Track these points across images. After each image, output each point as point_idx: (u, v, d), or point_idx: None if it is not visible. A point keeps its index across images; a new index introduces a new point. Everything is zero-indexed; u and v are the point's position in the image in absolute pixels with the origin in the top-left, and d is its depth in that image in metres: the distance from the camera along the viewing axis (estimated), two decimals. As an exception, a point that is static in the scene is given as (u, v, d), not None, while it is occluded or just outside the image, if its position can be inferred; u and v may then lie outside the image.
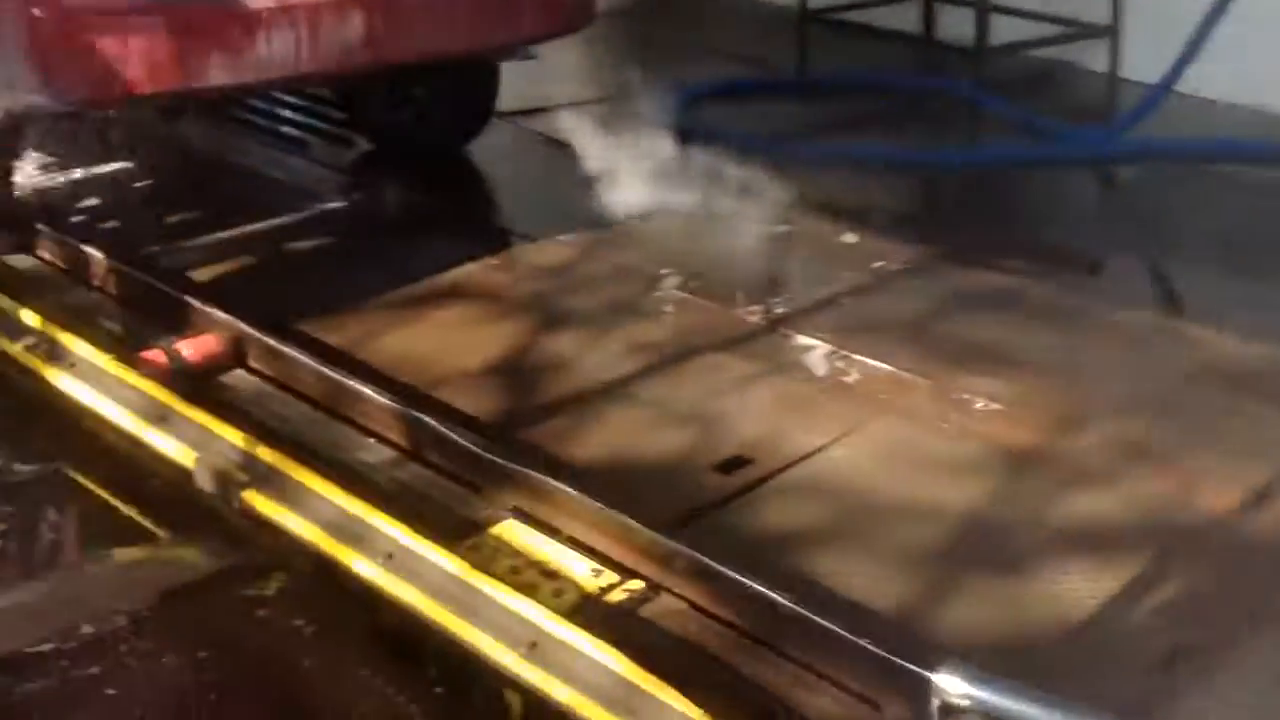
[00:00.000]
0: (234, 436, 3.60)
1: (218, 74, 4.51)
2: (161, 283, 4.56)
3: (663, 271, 4.82)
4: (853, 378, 4.14)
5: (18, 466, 3.73)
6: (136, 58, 4.33)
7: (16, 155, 5.13)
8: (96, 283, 4.77)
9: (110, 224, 5.43)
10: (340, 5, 4.66)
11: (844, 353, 4.25)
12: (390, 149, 6.14)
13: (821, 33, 7.50)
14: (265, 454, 3.51)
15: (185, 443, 3.67)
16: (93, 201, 5.62)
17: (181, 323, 4.30)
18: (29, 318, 4.22)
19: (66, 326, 4.16)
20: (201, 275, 4.94)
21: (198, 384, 4.03)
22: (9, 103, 4.47)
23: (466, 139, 6.11)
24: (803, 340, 4.35)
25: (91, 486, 3.72)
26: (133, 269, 4.70)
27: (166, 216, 5.52)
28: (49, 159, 5.94)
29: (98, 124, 5.38)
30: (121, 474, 3.73)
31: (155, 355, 4.08)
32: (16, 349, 4.16)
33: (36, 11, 4.24)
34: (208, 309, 4.30)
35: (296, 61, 4.61)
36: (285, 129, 6.46)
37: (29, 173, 5.83)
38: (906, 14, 7.57)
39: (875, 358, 4.20)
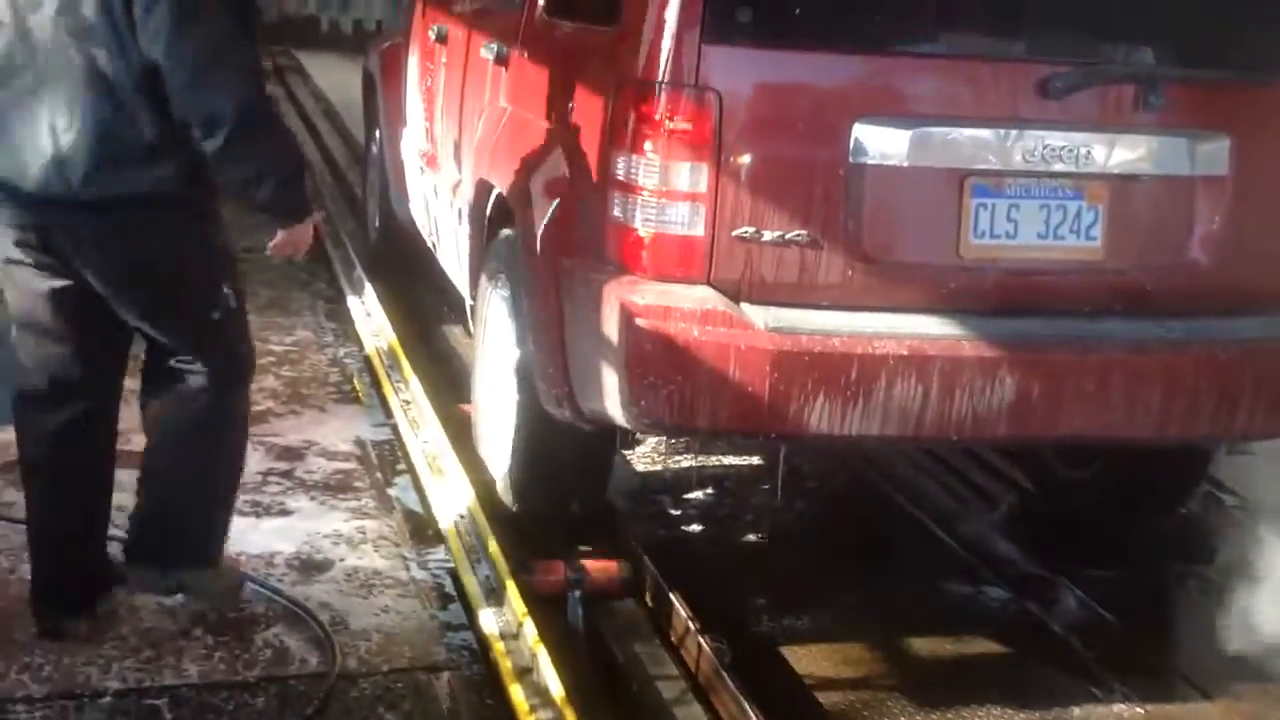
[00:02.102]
0: None
1: (834, 424, 3.61)
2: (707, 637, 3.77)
3: None
4: None
5: None
6: (736, 391, 3.57)
7: (618, 449, 4.46)
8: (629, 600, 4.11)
9: (691, 528, 4.76)
10: (1008, 365, 3.67)
11: None
12: (1059, 506, 4.96)
13: None
14: None
15: None
16: (699, 495, 4.96)
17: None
18: (555, 683, 3.48)
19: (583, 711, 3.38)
20: (797, 652, 4.08)
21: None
22: (595, 405, 3.86)
23: (1155, 517, 4.83)
24: None
25: None
26: (674, 610, 3.96)
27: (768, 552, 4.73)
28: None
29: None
30: None
31: (553, 566, 3.96)
32: None
33: (639, 321, 3.57)
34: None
35: (926, 424, 3.62)
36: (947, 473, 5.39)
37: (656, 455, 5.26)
38: None
39: None
